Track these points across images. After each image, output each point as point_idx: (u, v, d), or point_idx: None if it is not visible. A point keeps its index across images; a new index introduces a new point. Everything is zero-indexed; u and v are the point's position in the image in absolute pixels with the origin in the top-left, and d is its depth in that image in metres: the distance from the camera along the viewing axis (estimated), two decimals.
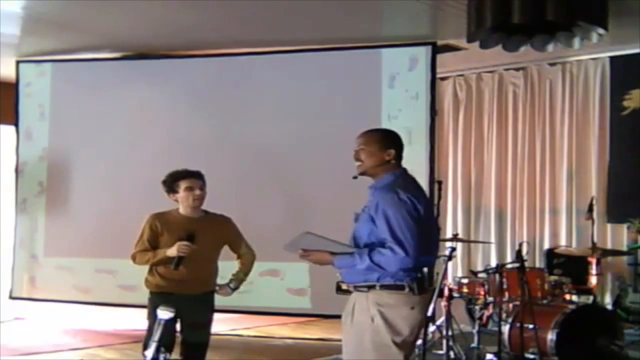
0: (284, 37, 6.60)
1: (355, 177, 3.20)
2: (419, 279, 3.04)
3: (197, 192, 3.96)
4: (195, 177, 3.99)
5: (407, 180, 3.16)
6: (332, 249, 3.05)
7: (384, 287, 2.99)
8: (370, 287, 3.01)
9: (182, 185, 3.95)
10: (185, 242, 3.79)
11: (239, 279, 4.12)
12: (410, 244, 2.93)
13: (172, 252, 3.82)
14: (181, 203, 4.00)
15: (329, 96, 6.76)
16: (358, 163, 3.16)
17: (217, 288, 4.07)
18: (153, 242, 3.99)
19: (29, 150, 7.38)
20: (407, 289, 3.00)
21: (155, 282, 3.98)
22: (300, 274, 6.60)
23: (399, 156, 3.19)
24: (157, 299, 3.87)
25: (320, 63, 6.84)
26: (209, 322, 4.04)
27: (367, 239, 3.04)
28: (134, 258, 4.03)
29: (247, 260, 4.17)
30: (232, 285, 4.09)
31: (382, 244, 2.97)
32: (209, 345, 4.04)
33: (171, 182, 3.99)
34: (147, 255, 3.97)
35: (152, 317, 3.83)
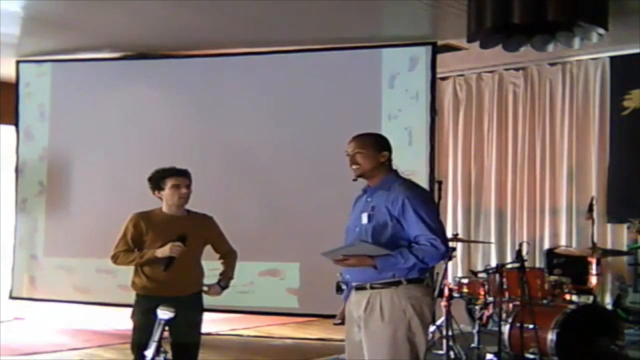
0: (284, 37, 6.60)
1: (355, 180, 3.30)
2: (431, 273, 3.29)
3: (184, 190, 3.89)
4: (182, 175, 3.92)
5: (409, 181, 3.30)
6: (370, 252, 3.11)
7: (410, 281, 3.13)
8: (398, 283, 3.12)
9: (169, 182, 3.87)
10: (177, 243, 3.72)
11: (228, 277, 4.06)
12: (444, 238, 3.13)
13: (163, 252, 3.74)
14: (165, 201, 3.93)
15: (329, 96, 6.76)
16: (355, 166, 3.26)
17: (205, 288, 3.99)
18: (137, 242, 3.90)
19: (29, 150, 7.38)
20: (425, 282, 3.20)
21: (142, 284, 3.89)
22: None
23: (391, 158, 3.32)
24: (144, 301, 3.83)
25: (320, 63, 6.83)
26: (198, 323, 3.98)
27: (389, 238, 3.13)
28: (115, 258, 3.92)
29: (232, 259, 4.11)
30: (222, 284, 4.03)
31: (414, 241, 3.10)
32: (202, 345, 3.99)
33: (158, 179, 3.91)
34: (131, 256, 3.88)
35: (138, 317, 3.84)
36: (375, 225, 3.16)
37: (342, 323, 3.41)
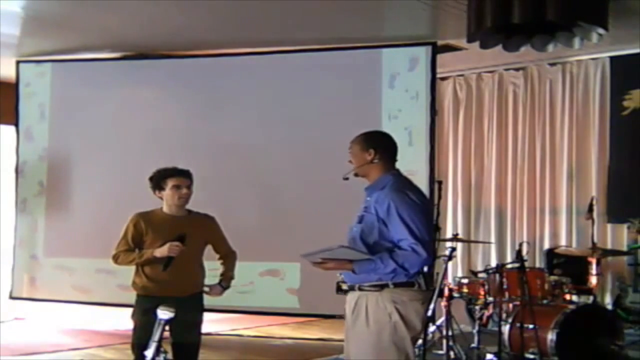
0: (284, 37, 6.60)
1: (345, 179, 3.29)
2: (424, 275, 3.17)
3: (184, 190, 3.89)
4: (183, 175, 3.92)
5: (406, 182, 3.25)
6: (350, 256, 3.09)
7: (397, 285, 3.07)
8: (384, 286, 3.08)
9: (170, 183, 3.88)
10: (176, 243, 3.72)
11: (229, 277, 4.07)
12: (428, 243, 3.06)
13: (161, 252, 3.75)
14: (166, 201, 3.93)
15: (328, 96, 6.76)
16: (352, 167, 3.28)
17: (207, 289, 3.99)
18: (137, 242, 3.91)
19: (29, 150, 7.37)
20: (416, 286, 3.11)
21: (143, 284, 3.90)
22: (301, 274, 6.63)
23: (385, 156, 3.26)
24: (144, 301, 3.84)
25: (320, 63, 6.83)
26: (199, 323, 3.98)
27: (377, 240, 3.10)
28: (116, 258, 3.94)
29: (231, 260, 4.11)
30: (223, 284, 4.04)
31: (397, 245, 3.05)
32: (202, 345, 4.00)
33: (158, 179, 3.92)
34: (131, 256, 3.89)
35: (139, 317, 3.85)
36: (364, 226, 3.15)
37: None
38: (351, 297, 3.19)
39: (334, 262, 3.09)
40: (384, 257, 3.03)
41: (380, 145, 3.25)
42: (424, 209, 3.15)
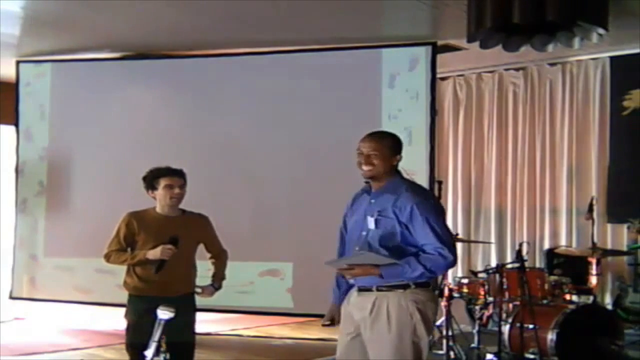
0: (284, 37, 6.60)
1: (367, 182, 3.24)
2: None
3: (176, 190, 3.86)
4: (176, 175, 3.89)
5: (417, 185, 3.29)
6: (374, 261, 3.08)
7: (418, 285, 3.10)
8: (406, 287, 3.09)
9: (162, 182, 3.85)
10: (169, 246, 3.70)
11: (220, 277, 4.05)
12: (454, 246, 3.10)
13: (154, 255, 3.73)
14: (159, 201, 3.90)
15: (328, 96, 6.76)
16: (369, 167, 3.17)
17: (199, 290, 3.97)
18: (129, 242, 3.89)
19: (29, 150, 7.37)
20: (431, 286, 3.18)
21: (134, 285, 3.87)
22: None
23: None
24: (136, 301, 3.83)
25: (320, 63, 6.83)
26: (192, 323, 3.96)
27: (398, 244, 3.09)
28: (108, 257, 3.91)
29: (223, 259, 4.09)
30: (215, 285, 4.02)
31: (421, 249, 3.07)
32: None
33: (151, 179, 3.89)
34: (123, 256, 3.87)
35: (131, 317, 3.84)
36: (384, 231, 3.11)
37: (331, 324, 3.39)
38: (365, 298, 3.15)
39: (360, 267, 3.08)
40: (411, 262, 3.03)
41: (401, 151, 3.26)
42: (443, 211, 3.22)
